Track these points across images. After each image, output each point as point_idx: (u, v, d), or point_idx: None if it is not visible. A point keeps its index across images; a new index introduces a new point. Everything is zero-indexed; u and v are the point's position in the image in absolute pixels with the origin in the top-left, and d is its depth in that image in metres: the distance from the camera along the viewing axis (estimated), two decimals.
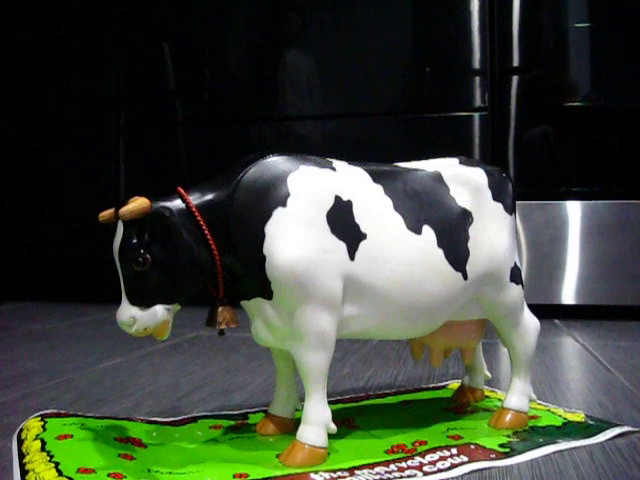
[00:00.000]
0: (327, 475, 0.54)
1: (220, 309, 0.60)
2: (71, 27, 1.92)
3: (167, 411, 0.76)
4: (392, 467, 0.56)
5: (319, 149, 1.67)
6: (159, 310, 0.56)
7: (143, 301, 0.55)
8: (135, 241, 0.55)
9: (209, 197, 0.57)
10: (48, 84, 1.93)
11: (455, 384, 0.85)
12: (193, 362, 1.06)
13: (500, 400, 0.74)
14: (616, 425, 0.69)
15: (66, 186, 1.91)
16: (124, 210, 0.54)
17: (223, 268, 0.57)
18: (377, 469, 0.56)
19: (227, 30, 1.81)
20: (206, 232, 0.56)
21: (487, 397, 0.79)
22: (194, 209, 0.56)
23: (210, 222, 0.56)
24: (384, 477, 0.54)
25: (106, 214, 0.57)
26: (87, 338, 1.30)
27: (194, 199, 0.57)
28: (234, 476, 0.53)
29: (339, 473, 0.54)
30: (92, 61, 1.91)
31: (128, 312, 0.55)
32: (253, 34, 1.81)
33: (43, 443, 0.58)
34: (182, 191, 0.57)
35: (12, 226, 1.95)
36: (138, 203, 0.54)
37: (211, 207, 0.57)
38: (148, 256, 0.54)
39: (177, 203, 0.57)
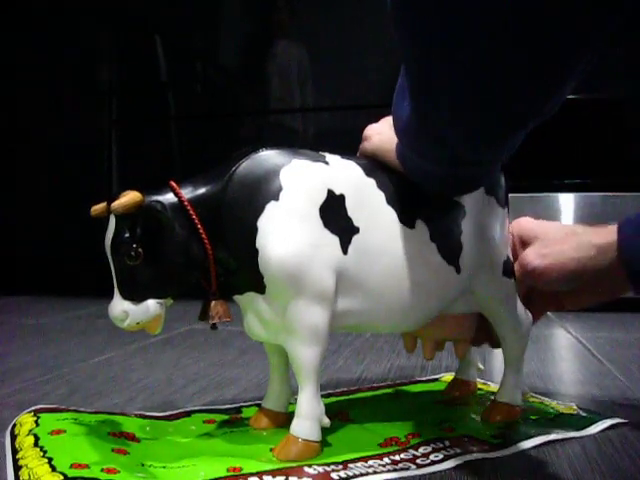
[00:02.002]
0: (321, 469, 0.54)
1: (213, 303, 0.59)
2: (64, 21, 1.91)
3: (160, 405, 0.76)
4: (386, 460, 0.56)
5: (312, 142, 1.67)
6: (151, 304, 0.55)
7: (135, 295, 0.55)
8: (127, 235, 0.54)
9: (201, 191, 0.57)
10: (40, 77, 1.92)
11: (448, 377, 0.85)
12: (186, 356, 1.06)
13: (493, 393, 0.75)
14: (608, 417, 0.69)
15: (57, 180, 1.90)
16: (116, 204, 0.54)
17: (216, 262, 0.57)
18: (371, 462, 0.56)
19: (219, 23, 1.80)
20: (198, 226, 0.56)
21: (480, 390, 0.79)
22: (186, 203, 0.56)
23: (202, 216, 0.56)
24: (378, 470, 0.54)
25: (98, 208, 0.57)
26: (80, 332, 1.30)
27: (186, 193, 0.57)
28: (228, 470, 0.53)
29: (333, 467, 0.54)
30: (84, 55, 1.90)
31: (120, 306, 0.55)
32: (245, 27, 1.81)
33: (36, 438, 0.57)
34: (174, 185, 0.57)
35: (3, 221, 1.94)
36: (130, 197, 0.54)
37: (203, 201, 0.57)
38: (140, 250, 0.54)
39: (169, 197, 0.56)
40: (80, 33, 1.89)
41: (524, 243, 0.67)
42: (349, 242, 0.58)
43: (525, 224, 0.68)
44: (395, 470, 0.54)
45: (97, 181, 1.86)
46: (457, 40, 0.41)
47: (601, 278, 0.63)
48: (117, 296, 0.55)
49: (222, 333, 1.25)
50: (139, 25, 1.85)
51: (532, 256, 0.62)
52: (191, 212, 0.56)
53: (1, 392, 0.82)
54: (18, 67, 1.94)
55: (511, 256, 0.69)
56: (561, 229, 0.65)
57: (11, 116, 1.95)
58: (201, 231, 0.56)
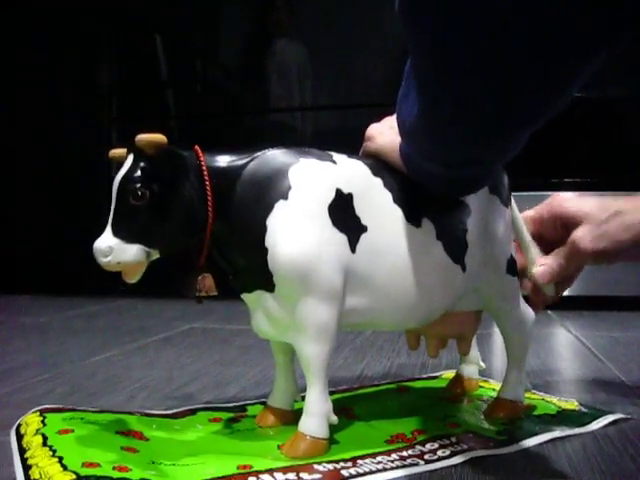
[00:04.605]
0: (330, 466, 0.54)
1: (200, 277, 0.59)
2: (64, 20, 1.91)
3: (161, 404, 0.75)
4: (394, 456, 0.57)
5: (312, 141, 1.67)
6: (138, 249, 0.54)
7: (127, 236, 0.54)
8: (139, 175, 0.54)
9: (222, 165, 0.57)
10: (40, 77, 1.92)
11: (449, 374, 0.85)
12: (186, 355, 1.06)
13: (494, 390, 0.75)
14: (609, 413, 0.70)
15: (57, 180, 1.89)
16: (141, 136, 0.54)
17: (211, 235, 0.57)
18: (379, 458, 0.56)
19: (219, 22, 1.80)
20: (209, 194, 0.56)
21: (481, 387, 0.80)
22: (204, 168, 0.56)
23: (215, 187, 0.56)
24: (387, 467, 0.55)
25: (117, 152, 0.57)
26: (80, 331, 1.30)
27: (208, 161, 0.57)
28: (238, 467, 0.53)
29: (342, 464, 0.55)
30: (84, 55, 1.90)
31: (108, 241, 0.54)
32: (245, 26, 1.81)
33: (44, 438, 0.57)
34: (199, 149, 0.58)
35: (3, 221, 1.93)
36: (156, 135, 0.54)
37: (220, 174, 0.57)
38: (147, 192, 0.54)
39: (191, 156, 0.57)
40: (80, 33, 1.89)
41: (566, 223, 0.69)
42: (357, 241, 0.58)
43: (567, 205, 0.70)
44: (404, 466, 0.55)
45: (97, 181, 1.86)
46: (457, 40, 0.41)
47: None
48: (108, 232, 0.54)
49: (223, 331, 1.26)
50: (139, 25, 1.85)
51: (587, 239, 0.66)
52: (206, 178, 0.56)
53: (1, 391, 0.82)
54: (18, 67, 1.94)
55: (514, 254, 0.69)
56: (602, 208, 0.67)
57: (11, 116, 1.95)
58: (209, 199, 0.56)
